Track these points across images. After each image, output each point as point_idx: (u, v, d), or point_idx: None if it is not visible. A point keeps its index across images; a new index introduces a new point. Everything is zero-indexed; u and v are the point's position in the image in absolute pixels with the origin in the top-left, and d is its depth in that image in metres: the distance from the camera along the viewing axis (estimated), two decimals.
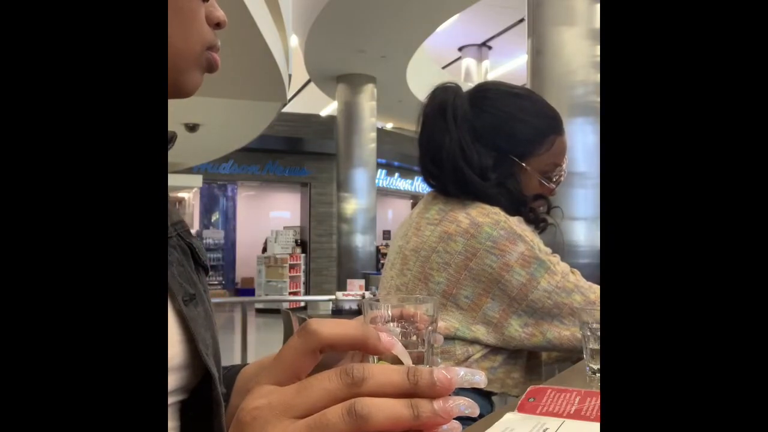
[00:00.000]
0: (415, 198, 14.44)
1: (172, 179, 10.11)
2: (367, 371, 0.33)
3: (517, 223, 1.06)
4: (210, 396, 0.60)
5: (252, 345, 6.88)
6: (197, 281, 0.62)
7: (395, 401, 0.32)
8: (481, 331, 1.05)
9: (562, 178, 1.17)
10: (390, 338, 0.36)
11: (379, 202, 11.48)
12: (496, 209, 1.07)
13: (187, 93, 0.59)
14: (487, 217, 1.05)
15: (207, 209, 14.81)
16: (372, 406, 0.32)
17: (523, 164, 1.12)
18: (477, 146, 1.10)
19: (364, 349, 0.35)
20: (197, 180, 12.19)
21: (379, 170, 11.99)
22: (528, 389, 0.70)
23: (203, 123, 7.83)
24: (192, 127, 7.89)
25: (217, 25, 0.60)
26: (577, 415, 0.63)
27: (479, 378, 0.34)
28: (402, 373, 0.33)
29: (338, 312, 5.31)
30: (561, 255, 1.09)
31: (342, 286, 7.29)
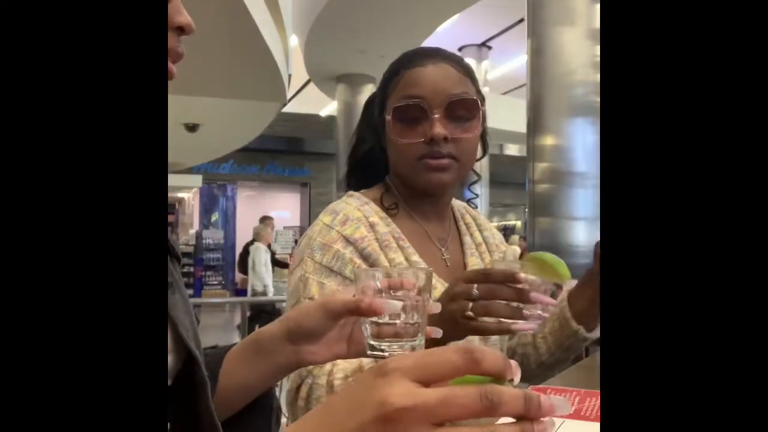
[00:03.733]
0: None
1: (172, 179, 10.11)
2: (500, 394, 0.34)
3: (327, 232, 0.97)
4: (195, 377, 0.61)
5: None
6: (172, 270, 0.63)
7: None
8: None
9: (438, 111, 0.93)
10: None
11: None
12: (341, 206, 0.99)
13: None
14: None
15: (207, 209, 14.79)
16: None
17: (385, 115, 0.99)
18: (373, 125, 1.05)
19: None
20: (197, 180, 12.20)
21: None
22: (528, 389, 0.70)
23: (203, 123, 7.82)
24: (192, 127, 7.88)
25: (180, 29, 0.54)
26: (577, 415, 0.63)
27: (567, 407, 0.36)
28: (521, 399, 0.35)
29: None
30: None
31: None
